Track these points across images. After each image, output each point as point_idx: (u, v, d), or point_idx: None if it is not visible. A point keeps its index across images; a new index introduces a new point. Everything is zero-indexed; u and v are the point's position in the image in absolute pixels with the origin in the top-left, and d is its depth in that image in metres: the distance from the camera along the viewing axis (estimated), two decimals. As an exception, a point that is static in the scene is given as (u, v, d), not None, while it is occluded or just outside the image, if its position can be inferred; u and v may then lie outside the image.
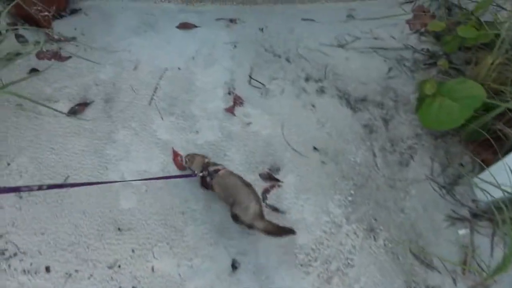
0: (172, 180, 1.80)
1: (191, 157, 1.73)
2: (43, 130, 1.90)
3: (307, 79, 2.25)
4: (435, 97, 1.90)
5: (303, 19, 2.45)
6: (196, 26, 2.34)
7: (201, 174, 1.68)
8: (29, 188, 1.22)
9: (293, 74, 2.25)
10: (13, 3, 1.92)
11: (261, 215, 1.58)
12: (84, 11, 2.28)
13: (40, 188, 1.18)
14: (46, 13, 2.16)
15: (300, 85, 2.22)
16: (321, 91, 2.22)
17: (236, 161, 1.92)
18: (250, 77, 2.20)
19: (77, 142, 1.88)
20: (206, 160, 1.72)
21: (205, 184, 1.77)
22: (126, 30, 2.27)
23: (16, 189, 1.29)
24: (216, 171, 1.66)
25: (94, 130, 1.92)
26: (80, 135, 1.90)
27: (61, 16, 2.22)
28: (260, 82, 2.19)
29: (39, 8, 2.13)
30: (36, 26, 2.16)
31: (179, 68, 2.19)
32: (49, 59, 2.08)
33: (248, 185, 1.63)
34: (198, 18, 2.38)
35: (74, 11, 2.26)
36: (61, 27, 2.21)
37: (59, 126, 1.90)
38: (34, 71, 2.03)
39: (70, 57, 2.12)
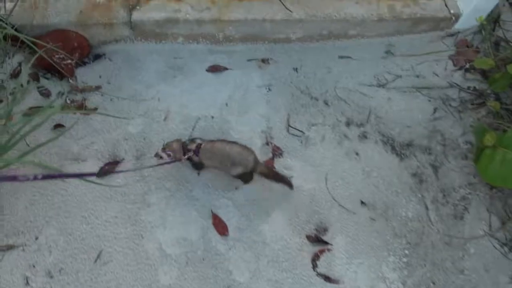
0: (213, 249, 1.65)
1: (168, 146, 1.66)
2: (71, 196, 1.75)
3: (348, 124, 2.10)
4: (495, 149, 1.75)
5: (340, 57, 2.30)
6: (227, 69, 2.19)
7: (186, 157, 1.66)
8: (25, 178, 1.18)
9: (332, 118, 2.10)
10: (36, 55, 1.78)
11: (259, 162, 1.73)
12: (108, 57, 2.13)
13: (35, 177, 1.20)
14: (69, 61, 2.02)
15: (341, 130, 2.07)
16: (364, 136, 2.07)
17: (279, 222, 1.77)
18: (289, 124, 2.05)
19: (109, 207, 1.73)
20: (183, 141, 1.69)
21: (195, 164, 1.78)
22: (154, 76, 2.13)
23: (12, 178, 1.14)
24: (198, 146, 1.67)
25: (126, 193, 1.78)
26: (111, 199, 1.75)
27: (85, 63, 2.08)
28: (299, 130, 2.04)
29: (61, 56, 1.99)
30: (59, 76, 2.02)
31: (212, 117, 2.04)
32: (74, 112, 1.93)
33: (234, 143, 1.69)
34: (228, 59, 2.23)
35: (97, 57, 2.12)
36: (85, 75, 2.07)
37: (88, 190, 1.76)
38: (59, 126, 1.89)
39: (96, 108, 1.97)
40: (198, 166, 1.81)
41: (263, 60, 2.25)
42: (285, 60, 2.27)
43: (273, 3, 2.18)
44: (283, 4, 2.16)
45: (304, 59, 2.28)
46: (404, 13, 2.25)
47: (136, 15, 2.06)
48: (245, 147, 1.71)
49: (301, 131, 2.04)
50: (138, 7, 2.08)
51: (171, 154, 1.65)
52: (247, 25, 2.16)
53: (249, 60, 2.25)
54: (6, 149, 1.46)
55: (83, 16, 2.02)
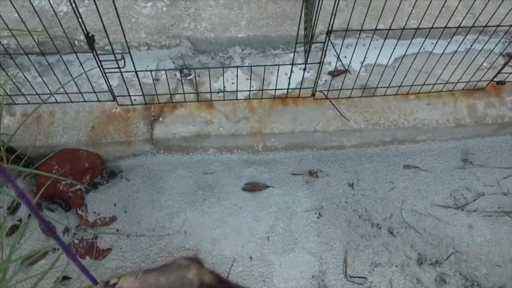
0: None
1: None
2: None
3: (420, 262, 1.66)
4: None
5: (405, 167, 1.87)
6: (267, 186, 1.79)
7: None
8: None
9: (400, 254, 1.67)
10: (45, 186, 1.43)
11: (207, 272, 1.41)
12: (125, 176, 1.77)
13: None
14: (78, 187, 1.66)
15: (412, 272, 1.64)
16: (442, 280, 1.63)
17: None
18: (346, 266, 1.63)
19: None
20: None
21: None
22: (179, 199, 1.75)
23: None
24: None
25: None
26: None
27: (97, 186, 1.71)
28: (360, 277, 1.62)
29: (69, 182, 1.63)
30: (66, 206, 1.66)
31: (250, 258, 1.64)
32: (83, 255, 1.57)
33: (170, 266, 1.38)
34: (268, 172, 1.83)
35: (112, 175, 1.75)
36: (97, 202, 1.71)
37: None
38: (66, 279, 1.52)
39: (110, 249, 1.60)
40: None
41: (311, 173, 1.84)
42: (338, 173, 1.85)
43: (325, 107, 1.77)
44: (338, 111, 1.75)
45: (361, 170, 1.86)
46: (488, 115, 1.80)
47: (159, 130, 1.69)
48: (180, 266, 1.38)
49: (362, 278, 1.62)
50: (161, 119, 1.71)
51: None
52: (293, 137, 1.76)
53: (294, 174, 1.84)
54: None
55: (95, 134, 1.66)
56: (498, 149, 1.92)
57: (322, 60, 1.56)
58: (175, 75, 1.86)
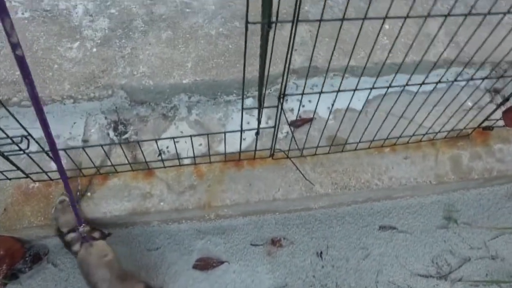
0: None
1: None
2: None
3: None
4: None
5: (381, 228, 1.63)
6: (222, 262, 1.53)
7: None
8: None
9: (376, 338, 1.44)
10: None
11: None
12: (52, 259, 1.49)
13: None
14: (-8, 280, 1.37)
15: None
16: None
17: None
18: None
19: None
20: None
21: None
22: None
23: None
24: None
25: None
26: None
27: (17, 276, 1.43)
28: None
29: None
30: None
31: None
32: None
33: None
34: (224, 244, 1.57)
35: (36, 260, 1.48)
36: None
37: None
38: None
39: None
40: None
41: (274, 242, 1.59)
42: (305, 239, 1.61)
43: (287, 167, 1.51)
44: (302, 174, 1.49)
45: (331, 235, 1.61)
46: (474, 169, 1.56)
47: (87, 209, 1.40)
48: None
49: None
50: (89, 193, 1.42)
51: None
52: (250, 206, 1.50)
53: (253, 245, 1.58)
54: None
55: (8, 218, 1.37)
56: (485, 202, 1.69)
57: (276, 125, 1.28)
58: (108, 135, 1.56)
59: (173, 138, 1.25)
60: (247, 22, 0.83)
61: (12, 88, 1.52)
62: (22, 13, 1.68)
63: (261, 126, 1.26)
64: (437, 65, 1.30)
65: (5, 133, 1.09)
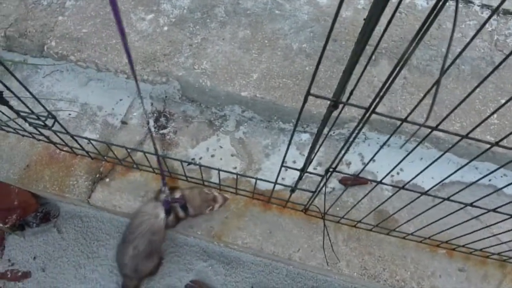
0: None
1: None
2: None
3: None
4: None
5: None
6: (216, 294, 1.41)
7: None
8: None
9: None
10: None
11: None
12: (58, 225, 1.48)
13: None
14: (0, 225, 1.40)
15: None
16: None
17: None
18: None
19: None
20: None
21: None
22: (108, 276, 1.45)
23: None
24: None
25: None
26: None
27: (24, 228, 1.44)
28: None
29: (-11, 218, 1.37)
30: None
31: None
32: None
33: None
34: (225, 275, 1.46)
35: (45, 220, 1.48)
36: (16, 249, 1.45)
37: None
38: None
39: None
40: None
41: (276, 295, 1.42)
42: (310, 306, 1.42)
43: (316, 228, 1.31)
44: (330, 242, 1.28)
45: (341, 314, 1.40)
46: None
47: (99, 196, 1.34)
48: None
49: None
50: (107, 179, 1.35)
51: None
52: (261, 253, 1.34)
53: (254, 290, 1.43)
54: None
55: (27, 175, 1.36)
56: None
57: (317, 191, 1.08)
58: (148, 123, 1.46)
59: (201, 166, 1.10)
60: (308, 93, 0.63)
61: (74, 45, 1.47)
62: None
63: (307, 170, 1.05)
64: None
65: (31, 110, 1.02)
